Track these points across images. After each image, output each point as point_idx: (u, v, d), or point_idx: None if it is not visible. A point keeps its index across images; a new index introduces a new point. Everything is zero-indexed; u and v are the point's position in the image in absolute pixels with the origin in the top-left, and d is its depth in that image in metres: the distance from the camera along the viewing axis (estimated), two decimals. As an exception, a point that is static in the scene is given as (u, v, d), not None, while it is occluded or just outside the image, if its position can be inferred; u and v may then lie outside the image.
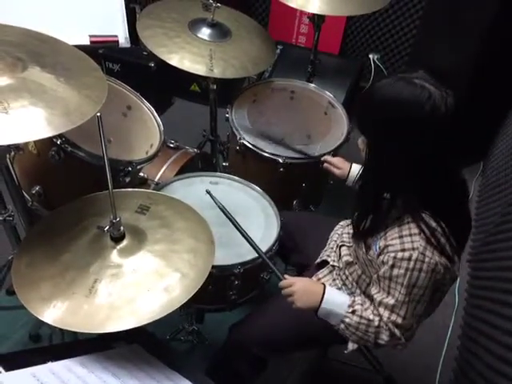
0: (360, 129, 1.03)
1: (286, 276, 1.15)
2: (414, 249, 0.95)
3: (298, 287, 1.11)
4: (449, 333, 1.84)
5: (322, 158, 1.56)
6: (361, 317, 1.05)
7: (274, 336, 1.22)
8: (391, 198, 1.01)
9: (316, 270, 1.30)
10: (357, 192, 1.13)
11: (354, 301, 1.08)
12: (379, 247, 1.02)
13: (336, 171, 1.48)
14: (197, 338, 1.65)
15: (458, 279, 2.02)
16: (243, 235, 1.22)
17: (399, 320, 1.02)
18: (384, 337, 1.04)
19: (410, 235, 0.96)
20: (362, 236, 1.09)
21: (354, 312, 1.05)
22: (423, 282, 0.97)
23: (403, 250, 0.96)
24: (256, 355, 1.21)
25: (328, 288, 1.11)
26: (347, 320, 1.06)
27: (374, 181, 1.05)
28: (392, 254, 0.98)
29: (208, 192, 1.32)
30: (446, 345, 1.80)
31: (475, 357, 1.55)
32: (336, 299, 1.09)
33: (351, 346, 1.12)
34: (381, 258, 1.01)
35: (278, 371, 1.56)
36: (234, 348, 1.26)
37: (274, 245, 1.33)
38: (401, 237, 0.97)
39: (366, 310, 1.05)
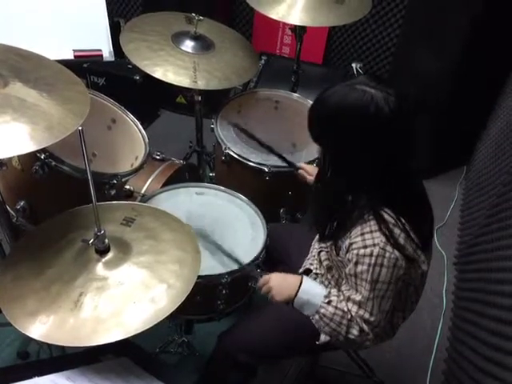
0: (313, 139, 1.06)
1: (263, 275, 1.19)
2: (374, 245, 0.98)
3: (273, 282, 1.15)
4: (438, 335, 1.85)
5: (298, 165, 1.57)
6: (336, 308, 1.07)
7: (260, 343, 1.22)
8: (353, 199, 1.04)
9: None
10: (315, 197, 1.16)
11: (329, 292, 1.11)
12: (345, 246, 1.05)
13: (309, 178, 1.50)
14: (187, 350, 1.64)
15: (446, 281, 2.05)
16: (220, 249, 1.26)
17: (366, 315, 1.04)
18: (354, 331, 1.06)
19: (371, 232, 0.99)
20: (329, 239, 1.12)
21: (329, 302, 1.08)
22: (386, 277, 1.00)
23: (365, 247, 0.99)
24: (244, 363, 1.21)
25: (305, 278, 1.14)
26: (322, 310, 1.08)
27: (333, 185, 1.08)
28: (355, 251, 1.01)
29: None
30: (435, 347, 1.81)
31: (464, 358, 1.56)
32: (312, 289, 1.12)
33: (323, 337, 1.15)
34: (347, 256, 1.04)
35: (268, 378, 1.56)
36: (221, 356, 1.26)
37: (261, 253, 1.34)
38: (362, 234, 1.00)
39: (341, 301, 1.08)
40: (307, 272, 1.29)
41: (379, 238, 0.98)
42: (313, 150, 1.72)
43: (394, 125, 0.95)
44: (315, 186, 1.28)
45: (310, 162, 1.66)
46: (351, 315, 1.05)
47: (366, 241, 0.99)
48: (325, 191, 1.15)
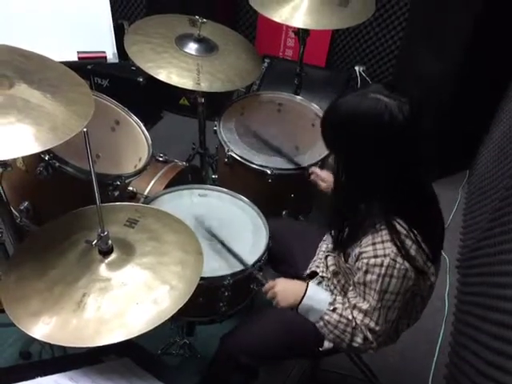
0: (327, 146, 1.07)
1: (269, 281, 1.20)
2: (385, 255, 0.98)
3: (279, 287, 1.16)
4: (439, 339, 1.85)
5: (310, 170, 1.57)
6: (341, 315, 1.07)
7: (262, 344, 1.22)
8: (366, 207, 1.04)
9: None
10: (331, 204, 1.17)
11: (335, 299, 1.11)
12: (355, 254, 1.04)
13: (322, 184, 1.51)
14: (189, 352, 1.64)
15: (448, 285, 2.05)
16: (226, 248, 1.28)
17: (372, 324, 1.04)
18: (358, 339, 1.06)
19: (382, 242, 0.99)
20: (342, 246, 1.12)
21: (334, 310, 1.08)
22: (395, 287, 1.00)
23: (375, 257, 0.99)
24: (246, 365, 1.21)
25: (310, 284, 1.15)
26: (327, 317, 1.08)
27: (346, 193, 1.08)
28: (365, 261, 1.01)
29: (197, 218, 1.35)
30: (437, 351, 1.81)
31: (466, 363, 1.56)
32: (318, 296, 1.13)
33: (327, 344, 1.15)
34: (356, 264, 1.04)
35: (270, 380, 1.56)
36: (223, 358, 1.26)
37: (263, 255, 1.34)
38: (374, 244, 1.00)
39: (346, 309, 1.08)
40: (313, 274, 1.30)
41: (390, 249, 0.98)
42: (316, 153, 1.73)
43: (407, 133, 0.95)
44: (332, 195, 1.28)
45: (313, 165, 1.66)
46: (356, 323, 1.05)
47: (377, 251, 0.99)
48: (338, 199, 1.14)
